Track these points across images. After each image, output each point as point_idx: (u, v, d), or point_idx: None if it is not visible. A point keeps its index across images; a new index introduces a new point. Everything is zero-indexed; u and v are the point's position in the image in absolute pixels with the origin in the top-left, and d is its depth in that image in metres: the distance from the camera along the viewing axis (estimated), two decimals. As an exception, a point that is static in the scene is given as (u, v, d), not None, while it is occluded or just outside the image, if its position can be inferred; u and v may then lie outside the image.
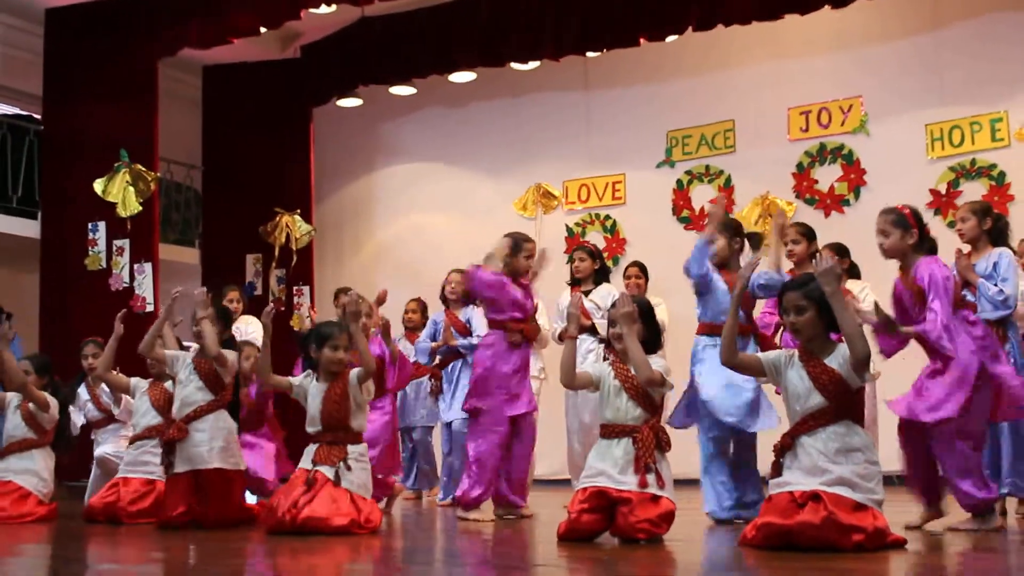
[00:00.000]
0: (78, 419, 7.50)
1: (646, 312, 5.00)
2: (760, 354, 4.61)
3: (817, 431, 4.18)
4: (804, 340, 4.35)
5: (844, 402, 4.21)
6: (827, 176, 10.10)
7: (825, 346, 4.31)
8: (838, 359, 4.24)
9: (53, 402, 6.75)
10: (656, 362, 4.83)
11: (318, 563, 4.32)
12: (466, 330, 7.55)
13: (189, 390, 5.89)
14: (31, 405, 6.70)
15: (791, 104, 10.32)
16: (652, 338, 5.00)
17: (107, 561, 4.68)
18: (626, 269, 8.22)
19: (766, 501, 4.25)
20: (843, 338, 4.21)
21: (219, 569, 4.19)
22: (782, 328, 6.23)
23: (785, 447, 4.25)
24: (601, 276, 7.74)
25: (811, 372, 4.25)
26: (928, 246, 5.14)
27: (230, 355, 5.97)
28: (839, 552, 3.91)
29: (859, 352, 4.16)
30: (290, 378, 5.70)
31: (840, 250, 6.82)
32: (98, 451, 7.44)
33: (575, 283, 7.70)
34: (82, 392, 7.54)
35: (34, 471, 6.65)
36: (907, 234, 5.06)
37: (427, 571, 4.03)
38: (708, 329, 5.73)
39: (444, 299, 7.82)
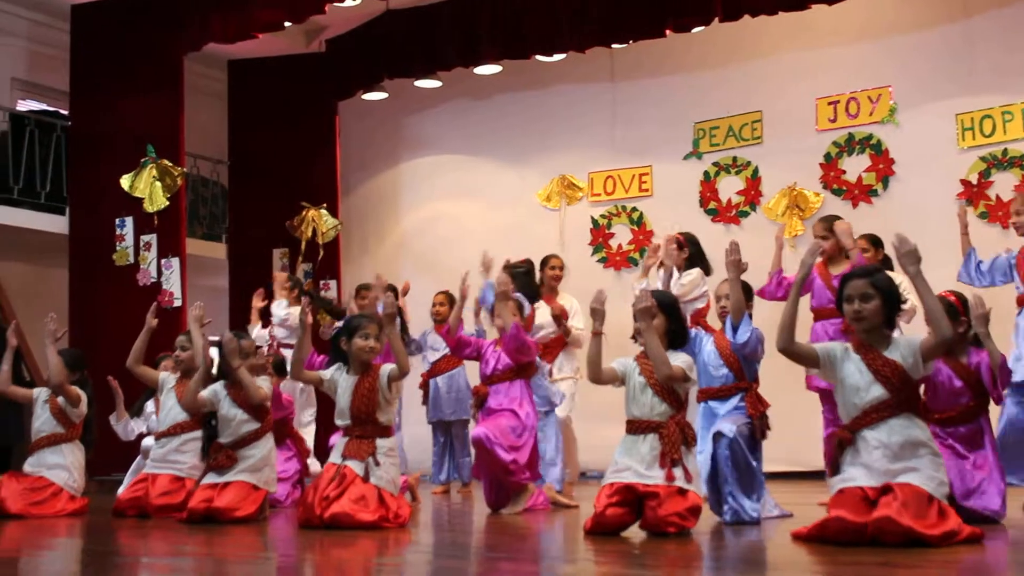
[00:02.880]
0: (139, 427, 7.54)
1: (670, 306, 4.95)
2: (816, 344, 4.47)
3: (879, 425, 4.10)
4: (865, 330, 4.22)
5: (905, 394, 4.13)
6: (855, 166, 9.99)
7: (881, 339, 4.22)
8: (900, 351, 4.16)
9: (84, 397, 6.81)
10: (678, 357, 4.81)
11: (348, 557, 4.32)
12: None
13: (236, 422, 5.99)
14: (61, 400, 6.76)
15: (819, 94, 10.21)
16: (677, 332, 4.95)
17: (139, 554, 4.71)
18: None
19: (835, 495, 4.11)
20: (928, 320, 4.12)
21: (250, 562, 4.20)
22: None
23: (845, 441, 4.16)
24: (692, 262, 7.18)
25: (871, 364, 4.16)
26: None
27: (264, 383, 6.10)
28: (889, 547, 3.80)
29: (946, 333, 4.09)
30: (320, 372, 5.75)
31: (875, 241, 6.75)
32: (146, 441, 7.51)
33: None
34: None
35: (64, 466, 6.71)
36: (957, 323, 5.01)
37: (457, 564, 4.03)
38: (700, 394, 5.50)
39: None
